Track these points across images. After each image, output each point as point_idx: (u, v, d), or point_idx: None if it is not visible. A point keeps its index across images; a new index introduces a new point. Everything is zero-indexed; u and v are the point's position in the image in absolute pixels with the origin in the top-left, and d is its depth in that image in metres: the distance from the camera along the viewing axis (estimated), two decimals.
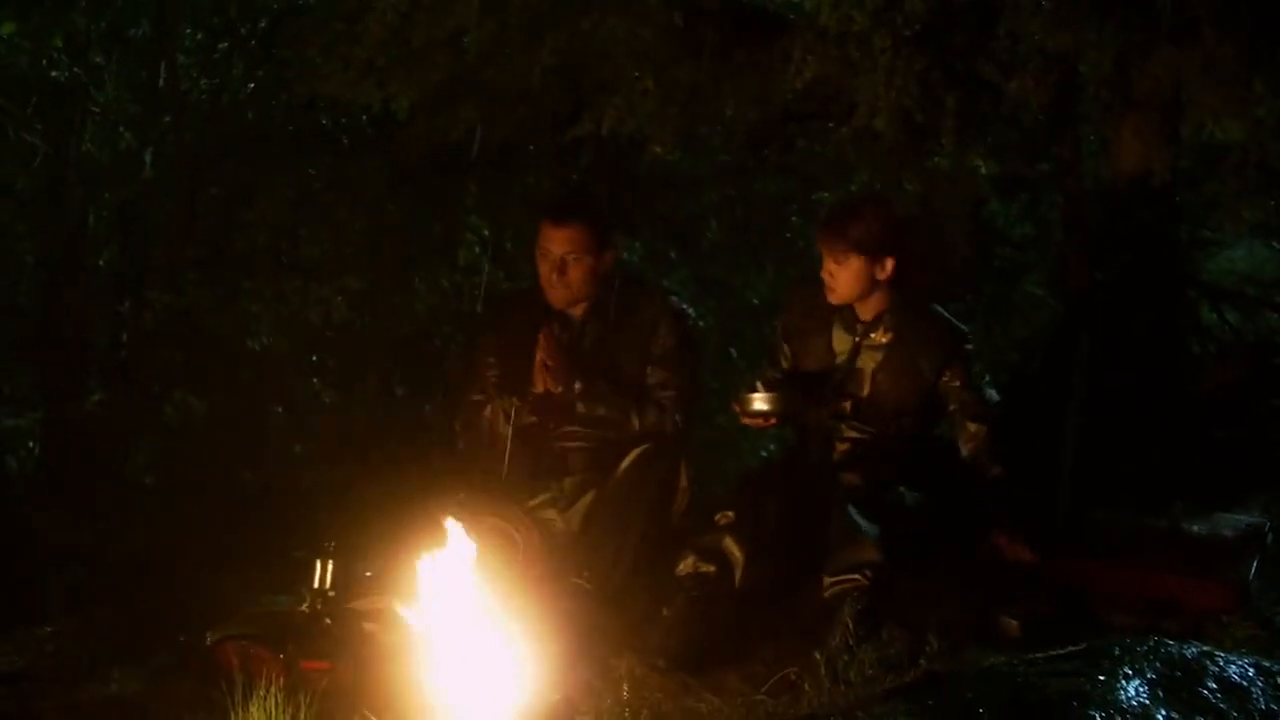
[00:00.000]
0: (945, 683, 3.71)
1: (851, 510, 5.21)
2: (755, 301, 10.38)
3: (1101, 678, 3.54)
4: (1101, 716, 3.34)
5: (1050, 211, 9.24)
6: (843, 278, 5.55)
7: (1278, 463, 6.54)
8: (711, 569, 5.23)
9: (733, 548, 5.25)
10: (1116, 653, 3.71)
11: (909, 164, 6.92)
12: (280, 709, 4.09)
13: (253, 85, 9.29)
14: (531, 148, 8.12)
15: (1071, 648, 3.88)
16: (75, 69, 9.37)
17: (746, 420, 5.62)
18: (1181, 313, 7.81)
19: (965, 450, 5.62)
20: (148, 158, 9.82)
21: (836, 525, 5.20)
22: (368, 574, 5.79)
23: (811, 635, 4.94)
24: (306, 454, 8.80)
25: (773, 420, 5.54)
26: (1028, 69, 5.34)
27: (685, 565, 5.28)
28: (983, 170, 7.41)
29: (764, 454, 6.24)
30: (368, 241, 8.54)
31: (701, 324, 9.92)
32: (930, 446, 5.71)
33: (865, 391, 5.59)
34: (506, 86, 6.65)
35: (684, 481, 5.79)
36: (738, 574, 5.23)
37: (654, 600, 5.31)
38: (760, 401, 5.46)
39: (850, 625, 4.87)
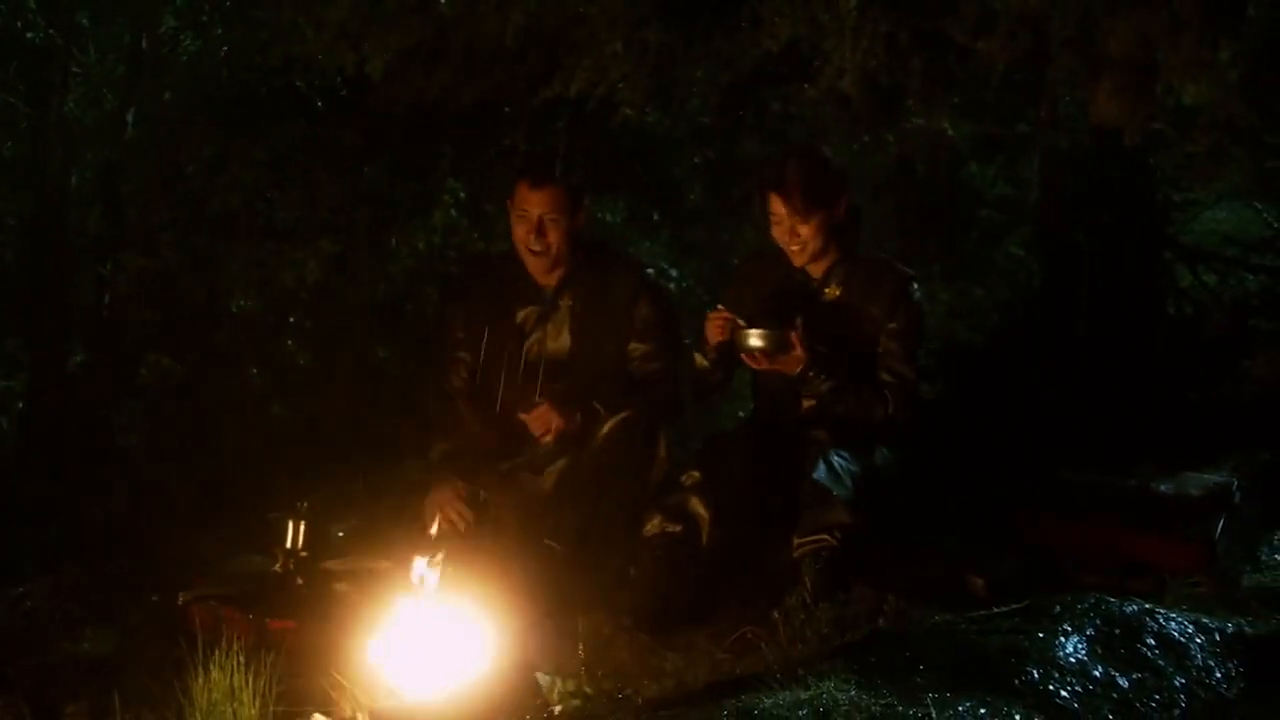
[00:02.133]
0: (889, 640, 3.74)
1: (822, 470, 5.22)
2: (736, 263, 10.38)
3: (1040, 634, 3.59)
4: (1039, 673, 3.38)
5: (1029, 173, 9.24)
6: (809, 235, 5.53)
7: (1251, 422, 6.55)
8: (678, 529, 5.24)
9: (699, 508, 5.26)
10: (1057, 610, 3.75)
11: (884, 125, 6.92)
12: (239, 669, 4.10)
13: (227, 48, 9.27)
14: (508, 109, 8.10)
15: (1014, 605, 3.91)
16: (51, 30, 9.35)
17: (743, 358, 5.59)
18: (1159, 273, 7.81)
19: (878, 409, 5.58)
20: (130, 119, 9.81)
21: (807, 485, 5.20)
22: (340, 534, 5.83)
23: (779, 595, 4.97)
24: (286, 415, 8.83)
25: (764, 361, 5.51)
26: (996, 30, 5.31)
27: (652, 525, 5.29)
28: (950, 132, 7.40)
29: (743, 415, 6.23)
30: (343, 204, 8.52)
31: (685, 285, 9.97)
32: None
33: (826, 347, 5.55)
34: (480, 48, 6.62)
35: (662, 451, 5.79)
36: (704, 534, 5.24)
37: (623, 561, 5.33)
38: (756, 338, 5.42)
39: (809, 584, 4.90)
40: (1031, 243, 9.31)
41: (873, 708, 3.10)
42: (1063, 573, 5.06)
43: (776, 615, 4.71)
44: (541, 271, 5.82)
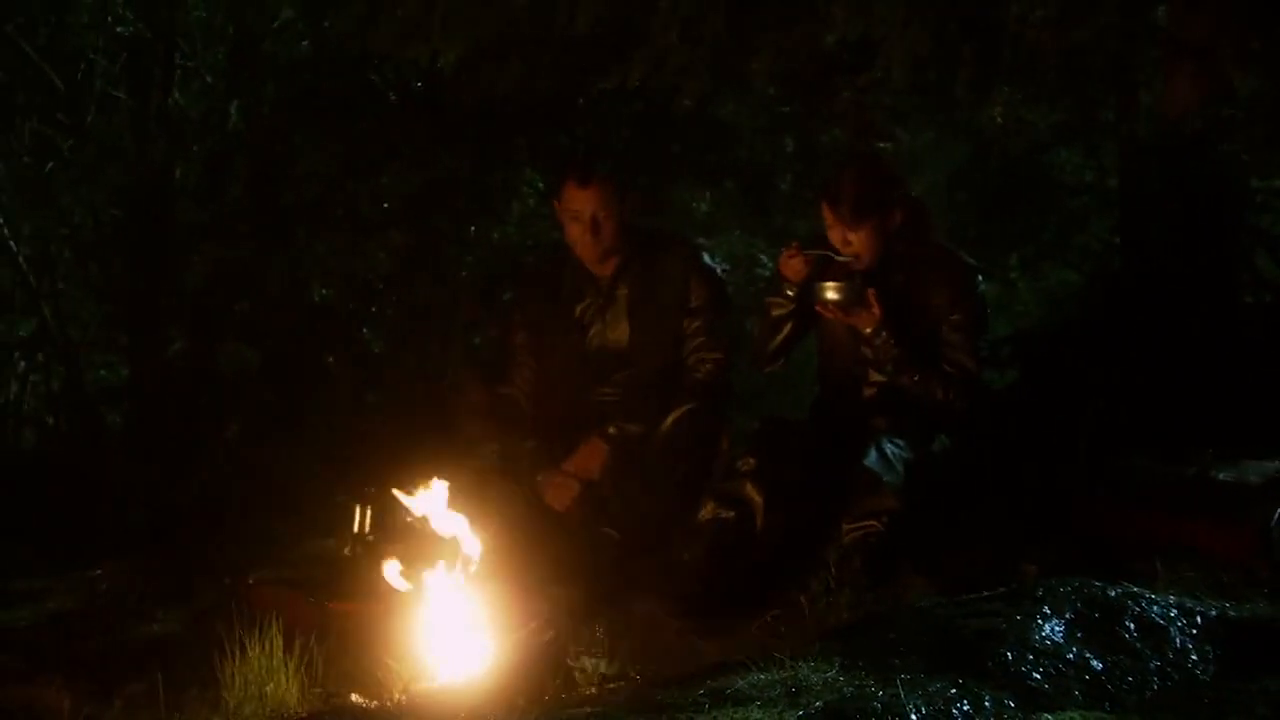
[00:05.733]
0: (877, 623, 3.78)
1: (873, 456, 5.26)
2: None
3: (1019, 617, 3.62)
4: (1014, 655, 3.42)
5: (1113, 159, 9.16)
6: (860, 243, 5.57)
7: None
8: (731, 515, 5.30)
9: (753, 494, 5.31)
10: (1039, 593, 3.78)
11: (950, 113, 6.89)
12: (278, 650, 4.22)
13: (306, 42, 9.42)
14: (581, 100, 8.16)
15: (1001, 589, 3.94)
16: (140, 23, 9.54)
17: (818, 309, 5.65)
18: (1238, 261, 7.73)
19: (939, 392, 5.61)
20: (233, 111, 9.98)
21: (858, 471, 5.25)
22: (408, 519, 5.93)
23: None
24: (375, 404, 8.96)
25: (839, 314, 5.57)
26: (1044, 18, 5.31)
27: (705, 511, 5.34)
28: (999, 121, 7.37)
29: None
30: (420, 195, 8.62)
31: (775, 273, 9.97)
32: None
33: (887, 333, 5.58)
34: (550, 40, 6.68)
35: (725, 444, 5.86)
36: (758, 519, 5.30)
37: (676, 547, 5.40)
38: (832, 290, 5.50)
39: (833, 569, 4.96)
40: (1114, 230, 9.24)
41: (845, 689, 3.16)
42: (1116, 560, 5.06)
43: (803, 599, 4.78)
44: (596, 263, 5.89)
